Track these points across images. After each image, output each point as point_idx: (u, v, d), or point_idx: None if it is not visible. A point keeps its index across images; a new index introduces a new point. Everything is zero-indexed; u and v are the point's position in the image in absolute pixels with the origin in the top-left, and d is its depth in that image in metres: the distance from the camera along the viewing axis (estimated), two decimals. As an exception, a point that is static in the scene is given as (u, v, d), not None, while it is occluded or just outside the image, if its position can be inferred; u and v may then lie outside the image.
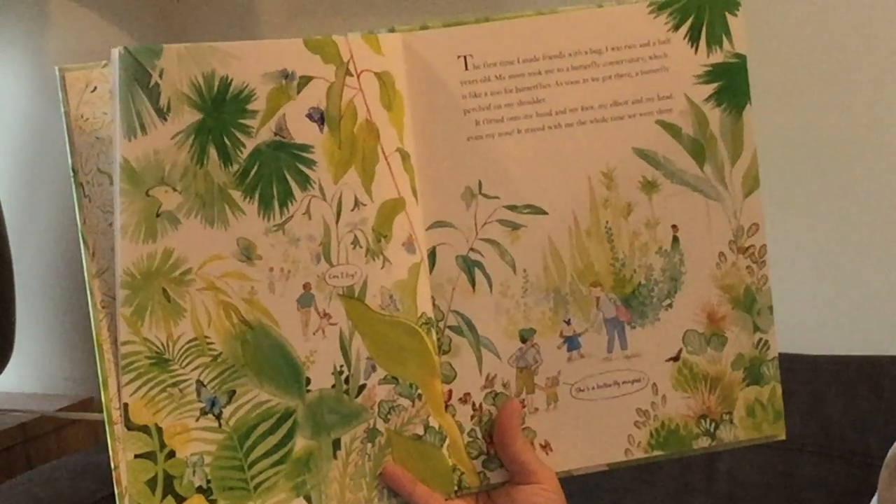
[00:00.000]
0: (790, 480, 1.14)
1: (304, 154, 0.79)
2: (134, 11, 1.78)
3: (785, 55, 1.36)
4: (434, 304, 0.83)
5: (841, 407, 1.17)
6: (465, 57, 0.82)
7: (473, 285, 0.83)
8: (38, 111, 1.81)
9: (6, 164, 1.84)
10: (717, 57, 0.84)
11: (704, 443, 0.86)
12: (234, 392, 0.79)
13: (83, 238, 0.77)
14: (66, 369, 1.83)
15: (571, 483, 0.86)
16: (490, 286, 0.83)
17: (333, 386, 0.81)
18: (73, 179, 0.78)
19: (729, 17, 0.83)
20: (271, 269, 0.79)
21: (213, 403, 0.79)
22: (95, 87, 0.78)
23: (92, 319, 0.77)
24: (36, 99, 1.82)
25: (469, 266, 0.83)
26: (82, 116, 0.78)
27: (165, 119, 0.76)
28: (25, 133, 1.82)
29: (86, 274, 0.78)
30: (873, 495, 0.83)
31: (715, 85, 0.84)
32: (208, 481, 0.79)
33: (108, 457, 0.77)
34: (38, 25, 1.80)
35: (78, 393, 1.79)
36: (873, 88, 1.33)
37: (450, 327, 0.83)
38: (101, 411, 0.78)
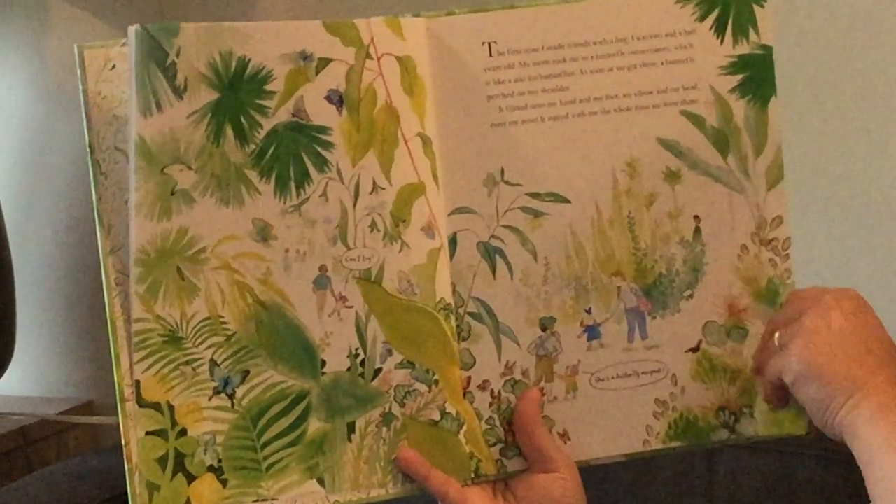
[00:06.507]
0: (790, 484, 1.12)
1: (322, 136, 0.78)
2: (133, 15, 1.78)
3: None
4: (454, 290, 0.82)
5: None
6: (489, 43, 0.81)
7: (494, 272, 0.82)
8: (38, 113, 1.81)
9: (6, 166, 1.83)
10: (743, 48, 0.83)
11: (723, 435, 0.85)
12: (247, 372, 0.78)
13: (98, 215, 0.77)
14: (67, 373, 1.82)
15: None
16: (511, 273, 0.82)
17: (349, 369, 0.80)
18: (89, 157, 0.77)
19: (756, 8, 0.83)
20: (287, 251, 0.78)
21: (226, 383, 0.78)
22: (114, 65, 0.78)
23: (105, 297, 0.77)
24: (36, 101, 1.81)
25: (490, 253, 0.82)
26: (100, 94, 0.78)
27: (182, 97, 0.75)
28: (25, 135, 1.82)
29: (100, 251, 0.77)
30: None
31: (740, 76, 0.83)
32: (220, 460, 0.78)
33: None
34: (38, 28, 1.80)
35: (78, 396, 1.78)
36: (881, 90, 1.32)
37: (469, 314, 0.82)
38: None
